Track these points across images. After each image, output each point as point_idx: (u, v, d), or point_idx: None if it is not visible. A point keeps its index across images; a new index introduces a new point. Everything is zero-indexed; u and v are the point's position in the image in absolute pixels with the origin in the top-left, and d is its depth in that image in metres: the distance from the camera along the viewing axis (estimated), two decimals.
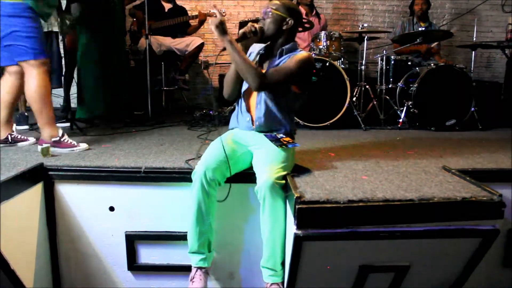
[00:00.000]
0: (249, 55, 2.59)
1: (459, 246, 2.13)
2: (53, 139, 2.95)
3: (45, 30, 4.03)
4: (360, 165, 2.67)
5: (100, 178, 2.55)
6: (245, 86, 2.54)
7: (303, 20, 4.74)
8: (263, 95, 2.46)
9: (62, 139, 2.98)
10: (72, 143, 3.01)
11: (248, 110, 2.55)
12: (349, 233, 1.98)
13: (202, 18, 5.24)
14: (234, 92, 2.57)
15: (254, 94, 2.51)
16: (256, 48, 2.61)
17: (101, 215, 2.58)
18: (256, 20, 2.49)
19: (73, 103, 4.65)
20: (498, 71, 6.54)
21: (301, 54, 2.45)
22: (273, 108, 2.48)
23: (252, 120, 2.53)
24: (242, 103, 2.57)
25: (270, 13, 2.45)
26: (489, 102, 5.20)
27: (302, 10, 5.42)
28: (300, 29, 4.84)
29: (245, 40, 2.42)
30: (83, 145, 3.06)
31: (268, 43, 2.55)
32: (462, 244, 2.12)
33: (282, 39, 2.50)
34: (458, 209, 2.02)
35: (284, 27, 2.47)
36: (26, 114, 4.26)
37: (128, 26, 5.17)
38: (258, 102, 2.49)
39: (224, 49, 2.42)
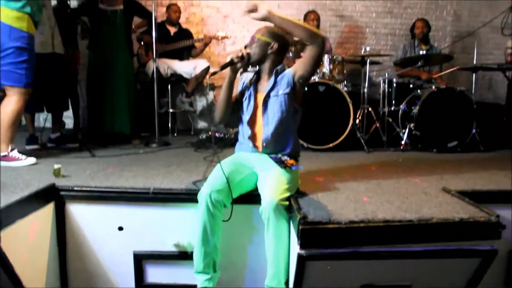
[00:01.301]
0: (243, 84, 2.72)
1: (459, 266, 2.18)
2: (2, 154, 3.23)
3: (48, 51, 4.18)
4: (362, 187, 2.74)
5: (110, 198, 2.62)
6: (248, 115, 2.64)
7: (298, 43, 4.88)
8: (269, 116, 2.56)
9: (9, 154, 3.25)
10: (19, 158, 3.27)
11: (254, 137, 2.63)
12: (351, 253, 2.04)
13: (208, 41, 5.39)
14: (226, 116, 2.67)
15: (259, 120, 2.61)
16: (248, 76, 2.74)
17: (110, 234, 2.65)
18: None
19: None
20: (500, 93, 6.63)
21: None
22: (280, 129, 2.56)
23: (256, 146, 2.62)
24: (246, 130, 2.66)
25: (256, 39, 2.59)
26: (491, 123, 5.28)
27: None
28: (302, 54, 4.99)
29: (233, 65, 2.53)
30: (31, 159, 3.32)
31: (257, 68, 2.70)
32: (462, 264, 2.17)
33: (269, 62, 2.61)
34: (456, 229, 2.08)
35: (269, 51, 2.59)
36: (36, 135, 4.37)
37: (136, 50, 5.30)
38: (265, 124, 2.57)
39: (222, 68, 2.53)
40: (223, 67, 2.54)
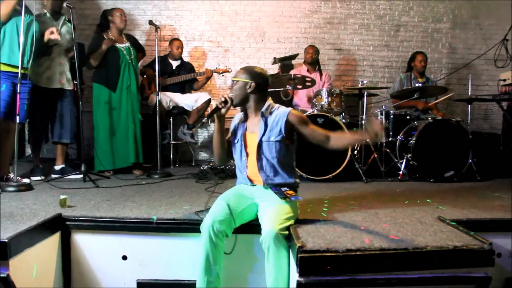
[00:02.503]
0: (234, 128, 2.79)
1: None
2: None
3: (55, 87, 4.40)
4: (359, 216, 2.81)
5: (114, 228, 2.70)
6: (243, 156, 2.72)
7: (307, 79, 5.02)
8: (264, 162, 2.66)
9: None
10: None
11: (251, 175, 2.72)
12: (348, 280, 2.11)
13: (209, 75, 5.55)
14: (224, 158, 2.80)
15: (254, 161, 2.68)
16: (236, 119, 2.82)
17: (114, 263, 2.71)
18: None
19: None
20: (496, 123, 6.75)
21: (290, 110, 2.67)
22: (278, 170, 2.66)
23: (253, 182, 2.71)
24: (243, 170, 2.75)
25: (234, 82, 2.69)
26: (488, 153, 5.37)
27: (305, 67, 5.74)
28: (299, 86, 5.13)
29: (219, 111, 2.62)
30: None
31: (242, 108, 2.77)
32: None
33: (252, 101, 2.68)
34: (450, 257, 2.15)
35: (249, 90, 2.64)
36: (40, 166, 4.46)
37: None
38: (260, 168, 2.66)
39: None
40: (210, 115, 2.67)
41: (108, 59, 4.78)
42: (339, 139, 2.65)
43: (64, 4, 4.25)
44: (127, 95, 4.84)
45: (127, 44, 4.92)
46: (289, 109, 2.69)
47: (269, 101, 2.73)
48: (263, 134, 2.65)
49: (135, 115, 4.89)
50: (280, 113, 2.66)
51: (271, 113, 2.68)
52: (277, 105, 2.75)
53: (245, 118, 2.76)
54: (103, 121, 4.78)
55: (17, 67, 3.68)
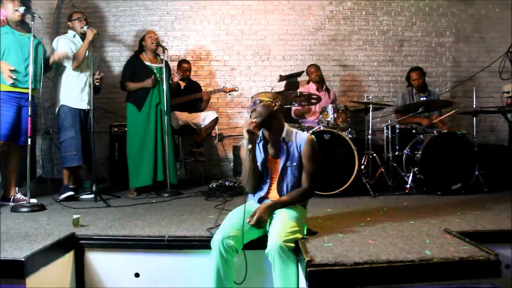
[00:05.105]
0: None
1: None
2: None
3: (86, 108, 4.57)
4: (367, 231, 2.85)
5: (127, 246, 2.76)
6: (264, 179, 2.80)
7: (314, 96, 5.09)
8: (284, 185, 2.75)
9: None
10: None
11: (267, 196, 2.79)
12: None
13: (207, 98, 5.64)
14: (257, 183, 2.80)
15: (273, 183, 2.79)
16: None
17: (127, 281, 2.76)
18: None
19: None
20: (503, 134, 6.74)
21: (309, 138, 2.76)
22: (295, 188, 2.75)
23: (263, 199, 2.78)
24: (265, 191, 2.80)
25: (258, 102, 2.74)
26: (495, 164, 5.38)
27: (313, 85, 5.80)
28: (304, 103, 5.19)
29: (254, 135, 2.66)
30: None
31: (262, 131, 2.82)
32: None
33: (275, 123, 2.77)
34: (456, 268, 2.18)
35: (275, 108, 2.74)
36: (70, 186, 4.51)
37: None
38: (280, 190, 2.75)
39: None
40: (252, 142, 2.66)
41: (139, 78, 4.92)
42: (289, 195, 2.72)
43: (85, 28, 4.51)
44: (155, 113, 4.91)
45: (161, 65, 5.05)
46: (307, 135, 2.79)
47: (286, 126, 2.82)
48: (287, 159, 2.74)
49: (164, 133, 4.91)
50: (300, 140, 2.75)
51: (290, 138, 2.76)
52: (294, 130, 2.83)
53: (264, 141, 2.82)
54: (131, 139, 4.90)
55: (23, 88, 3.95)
